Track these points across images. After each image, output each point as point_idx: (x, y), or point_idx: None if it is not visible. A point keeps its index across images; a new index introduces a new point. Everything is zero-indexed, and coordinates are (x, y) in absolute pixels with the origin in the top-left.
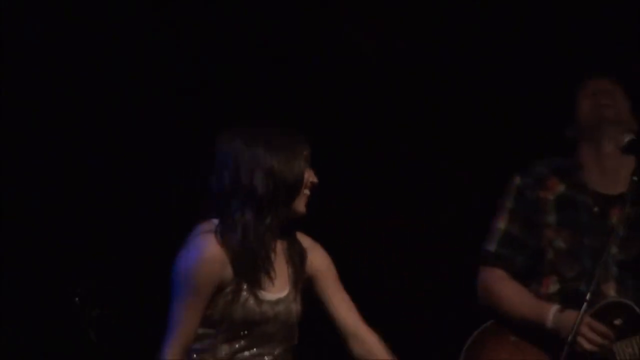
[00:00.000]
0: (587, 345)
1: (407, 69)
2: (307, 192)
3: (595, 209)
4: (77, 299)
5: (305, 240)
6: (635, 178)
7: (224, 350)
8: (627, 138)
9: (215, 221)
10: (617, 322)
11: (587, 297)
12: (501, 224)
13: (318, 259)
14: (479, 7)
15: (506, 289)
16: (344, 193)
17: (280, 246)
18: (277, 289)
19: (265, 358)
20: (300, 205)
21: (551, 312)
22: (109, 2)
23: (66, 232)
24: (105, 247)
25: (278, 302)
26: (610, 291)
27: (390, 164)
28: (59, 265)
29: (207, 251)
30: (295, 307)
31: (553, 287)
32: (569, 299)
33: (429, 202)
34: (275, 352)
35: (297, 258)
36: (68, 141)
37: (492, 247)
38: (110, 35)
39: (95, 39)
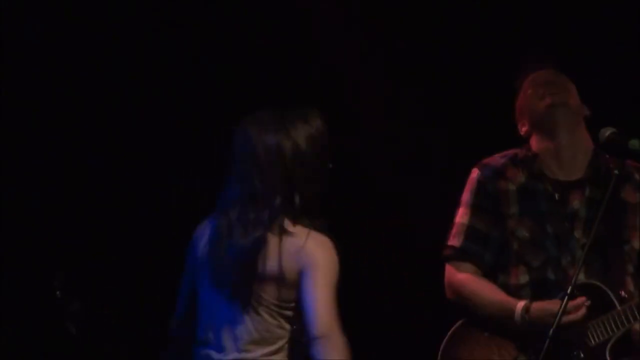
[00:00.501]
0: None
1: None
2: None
3: (556, 195)
4: (57, 292)
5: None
6: (616, 171)
7: None
8: (607, 132)
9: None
10: (587, 303)
11: (569, 290)
12: (464, 219)
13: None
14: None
15: (474, 285)
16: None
17: None
18: None
19: None
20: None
21: (518, 309)
22: (109, 2)
23: (61, 230)
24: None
25: None
26: (579, 275)
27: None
28: (55, 264)
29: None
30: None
31: (522, 277)
32: (538, 288)
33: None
34: None
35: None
36: (68, 141)
37: (457, 242)
38: (110, 35)
39: (95, 39)
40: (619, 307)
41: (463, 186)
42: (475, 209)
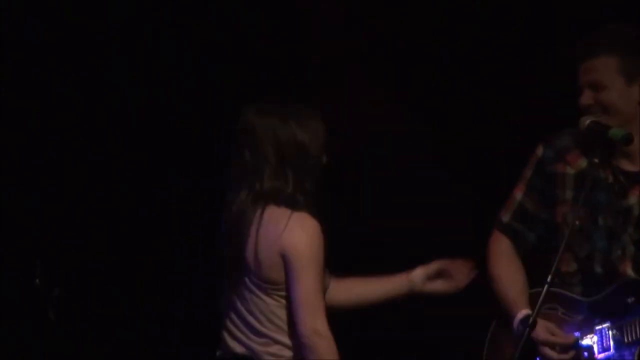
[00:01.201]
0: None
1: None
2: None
3: (616, 187)
4: (37, 280)
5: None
6: (596, 160)
7: None
8: (588, 121)
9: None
10: (630, 300)
11: (548, 279)
12: (518, 194)
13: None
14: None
15: (498, 266)
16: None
17: None
18: None
19: None
20: None
21: (517, 318)
22: (109, 2)
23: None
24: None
25: None
26: (628, 270)
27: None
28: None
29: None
30: None
31: (571, 265)
32: (587, 279)
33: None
34: None
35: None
36: (68, 141)
37: (506, 217)
38: (110, 35)
39: (95, 39)
40: None
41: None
42: (530, 187)
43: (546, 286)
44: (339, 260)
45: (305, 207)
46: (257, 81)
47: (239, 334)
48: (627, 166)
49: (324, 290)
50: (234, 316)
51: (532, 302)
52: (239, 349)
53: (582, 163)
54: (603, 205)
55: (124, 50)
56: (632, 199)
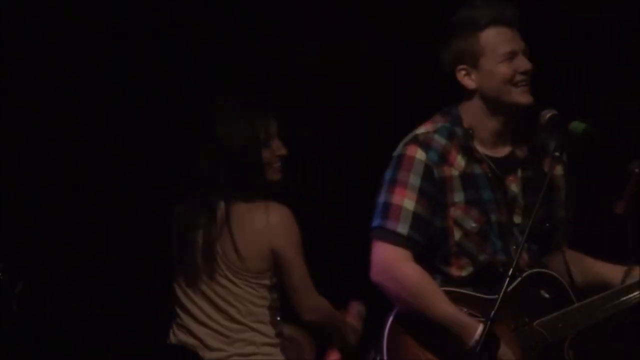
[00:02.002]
0: None
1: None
2: (276, 163)
3: (490, 175)
4: (0, 274)
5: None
6: (557, 154)
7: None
8: (549, 114)
9: None
10: (545, 294)
11: (509, 272)
12: (409, 204)
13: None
14: None
15: (421, 281)
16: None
17: None
18: None
19: None
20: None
21: (477, 334)
22: (109, 2)
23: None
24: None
25: None
26: (525, 263)
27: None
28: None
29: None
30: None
31: (465, 270)
32: (484, 281)
33: None
34: None
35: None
36: (68, 141)
37: (402, 229)
38: (110, 35)
39: (95, 39)
40: (576, 304)
41: None
42: (421, 194)
43: (507, 280)
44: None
45: (270, 197)
46: (247, 80)
47: (210, 323)
48: (493, 152)
49: None
50: (199, 307)
51: None
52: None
53: (461, 162)
54: (491, 202)
55: (124, 50)
56: (513, 187)
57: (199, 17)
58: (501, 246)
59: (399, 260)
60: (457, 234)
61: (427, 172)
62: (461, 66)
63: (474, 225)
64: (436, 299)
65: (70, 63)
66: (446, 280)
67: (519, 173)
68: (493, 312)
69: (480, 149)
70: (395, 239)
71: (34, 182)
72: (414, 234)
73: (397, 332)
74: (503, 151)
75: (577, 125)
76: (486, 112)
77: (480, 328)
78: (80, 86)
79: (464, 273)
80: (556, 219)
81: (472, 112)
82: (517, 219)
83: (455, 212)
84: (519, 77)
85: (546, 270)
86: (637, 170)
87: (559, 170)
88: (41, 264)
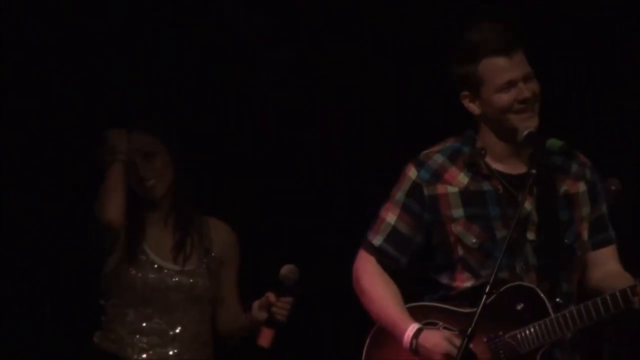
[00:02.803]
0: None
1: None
2: (149, 182)
3: (501, 190)
4: None
5: (216, 227)
6: (533, 171)
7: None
8: (525, 131)
9: None
10: (519, 307)
11: (487, 289)
12: (391, 218)
13: (225, 245)
14: None
15: (373, 286)
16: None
17: (176, 224)
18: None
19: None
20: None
21: (408, 335)
22: (109, 2)
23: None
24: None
25: (180, 272)
26: (533, 280)
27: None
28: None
29: None
30: (202, 281)
31: (467, 283)
32: (481, 297)
33: None
34: (183, 322)
35: (198, 238)
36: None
37: (377, 240)
38: (110, 35)
39: (95, 39)
40: (552, 315)
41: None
42: (404, 210)
43: (484, 297)
44: None
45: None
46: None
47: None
48: (509, 170)
49: None
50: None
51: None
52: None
53: (463, 179)
54: (497, 218)
55: (124, 50)
56: (528, 205)
57: (208, 18)
58: (506, 262)
59: (364, 269)
60: (460, 250)
61: (414, 189)
62: (465, 92)
63: (474, 241)
64: (384, 304)
65: (70, 63)
66: (447, 295)
67: (535, 191)
68: (470, 328)
69: (495, 166)
70: (369, 248)
71: (34, 182)
72: (387, 246)
73: (375, 344)
74: (519, 169)
75: (554, 143)
76: (494, 135)
77: (409, 331)
78: (80, 86)
79: (465, 288)
80: (579, 236)
81: (483, 134)
82: (531, 236)
83: (456, 228)
84: (518, 106)
85: (524, 284)
86: (613, 187)
87: (581, 187)
88: (42, 264)
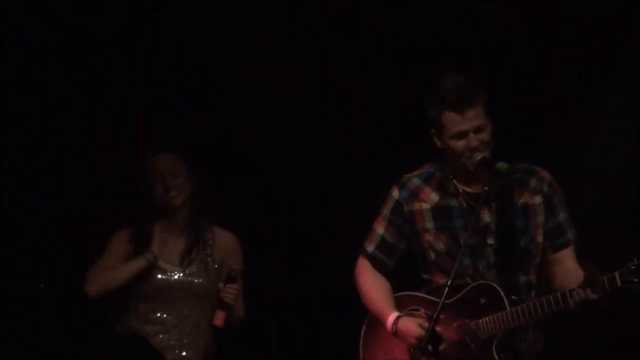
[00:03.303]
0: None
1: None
2: (172, 193)
3: (465, 205)
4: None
5: (221, 234)
6: (485, 188)
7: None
8: (478, 157)
9: None
10: (482, 301)
11: (448, 282)
12: (380, 229)
13: (226, 251)
14: None
15: (367, 284)
16: None
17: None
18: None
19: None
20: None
21: (390, 321)
22: (109, 2)
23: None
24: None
25: (173, 273)
26: (493, 277)
27: None
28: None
29: None
30: (200, 280)
31: (442, 279)
32: (456, 289)
33: None
34: (184, 313)
35: (202, 243)
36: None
37: (370, 248)
38: (110, 35)
39: (96, 39)
40: (508, 309)
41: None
42: (389, 223)
43: (446, 288)
44: None
45: None
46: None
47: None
48: (471, 189)
49: None
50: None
51: (399, 303)
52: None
53: (435, 197)
54: (460, 228)
55: (123, 50)
56: (486, 218)
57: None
58: (470, 263)
59: (361, 271)
60: (432, 254)
61: (397, 207)
62: (432, 130)
63: (442, 247)
64: (374, 298)
65: (70, 63)
66: (429, 288)
67: (493, 204)
68: (435, 314)
69: (460, 187)
70: (365, 254)
71: (34, 182)
72: (377, 252)
73: (369, 331)
74: (479, 188)
75: (501, 165)
76: (454, 164)
77: (390, 317)
78: (80, 86)
79: (441, 283)
80: (533, 240)
81: (449, 161)
82: (491, 241)
83: (428, 237)
84: (468, 153)
85: (486, 282)
86: None
87: (537, 199)
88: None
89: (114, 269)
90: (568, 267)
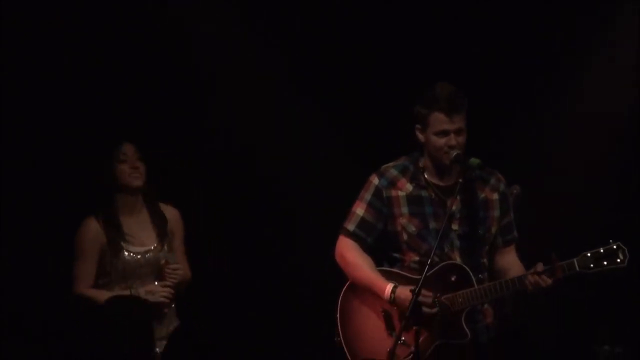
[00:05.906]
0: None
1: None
2: (135, 174)
3: (434, 196)
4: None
5: (167, 209)
6: (460, 180)
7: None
8: (454, 153)
9: None
10: (453, 278)
11: (429, 261)
12: (360, 211)
13: (173, 222)
14: None
15: (355, 259)
16: None
17: (147, 213)
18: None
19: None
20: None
21: (387, 290)
22: (109, 2)
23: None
24: None
25: (147, 252)
26: (456, 257)
27: None
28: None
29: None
30: (162, 255)
31: (413, 259)
32: (424, 267)
33: None
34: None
35: (159, 221)
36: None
37: (351, 227)
38: (110, 36)
39: (96, 39)
40: (476, 287)
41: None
42: (370, 205)
43: (427, 267)
44: None
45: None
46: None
47: None
48: (440, 182)
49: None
50: None
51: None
52: None
53: (409, 187)
54: (429, 214)
55: (123, 50)
56: (453, 207)
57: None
58: (437, 245)
59: (346, 247)
60: (404, 235)
61: (377, 192)
62: (418, 125)
63: (413, 229)
64: (364, 271)
65: (70, 63)
66: (402, 265)
67: (458, 196)
68: (417, 287)
69: (430, 179)
70: (346, 233)
71: (34, 182)
72: (358, 230)
73: (347, 299)
74: (448, 181)
75: (473, 161)
76: (430, 159)
77: (387, 288)
78: (80, 86)
79: (412, 261)
80: (489, 229)
81: (425, 156)
82: (455, 227)
83: (402, 221)
84: (446, 149)
85: (456, 262)
86: (515, 191)
87: (495, 196)
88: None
89: (102, 295)
90: (512, 260)
